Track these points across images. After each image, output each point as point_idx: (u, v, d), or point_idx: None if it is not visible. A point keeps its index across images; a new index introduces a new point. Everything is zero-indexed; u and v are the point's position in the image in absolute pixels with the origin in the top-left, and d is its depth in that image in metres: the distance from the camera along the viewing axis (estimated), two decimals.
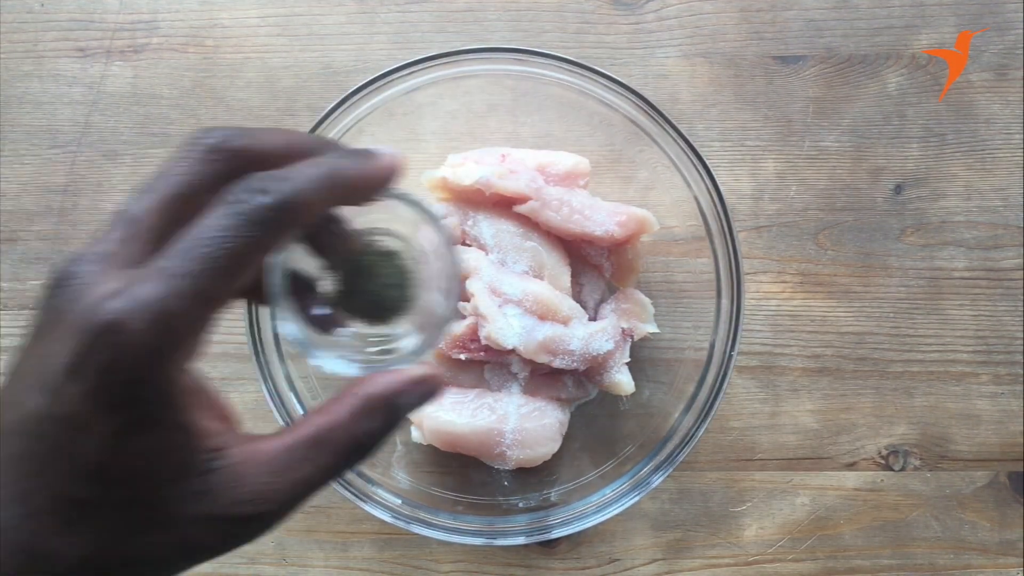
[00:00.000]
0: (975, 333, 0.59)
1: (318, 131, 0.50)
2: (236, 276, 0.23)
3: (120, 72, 0.60)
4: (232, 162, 0.25)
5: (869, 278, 0.60)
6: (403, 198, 0.27)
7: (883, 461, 0.58)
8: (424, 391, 0.26)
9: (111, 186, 0.60)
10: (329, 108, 0.50)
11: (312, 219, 0.25)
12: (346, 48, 0.61)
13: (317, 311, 0.29)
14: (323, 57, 0.61)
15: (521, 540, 0.49)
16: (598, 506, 0.50)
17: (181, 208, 0.25)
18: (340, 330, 0.30)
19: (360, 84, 0.50)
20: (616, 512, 0.49)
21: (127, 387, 0.22)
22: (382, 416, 0.26)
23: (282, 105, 0.60)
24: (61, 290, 0.23)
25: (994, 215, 0.60)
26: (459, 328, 0.52)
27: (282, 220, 0.23)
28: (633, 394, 0.54)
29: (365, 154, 0.26)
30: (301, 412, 0.49)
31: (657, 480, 0.49)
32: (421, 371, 0.26)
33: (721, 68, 0.61)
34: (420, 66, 0.50)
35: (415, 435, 0.54)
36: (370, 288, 0.30)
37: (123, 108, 0.60)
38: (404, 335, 0.30)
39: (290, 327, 0.27)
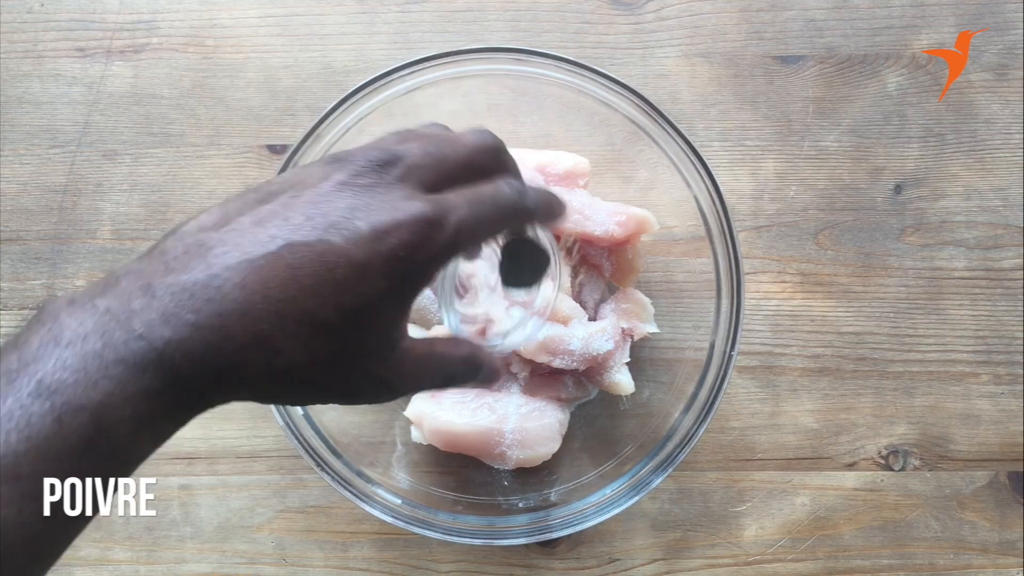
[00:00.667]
0: (975, 333, 0.59)
1: (318, 131, 0.50)
2: (490, 233, 0.32)
3: (120, 72, 0.60)
4: (490, 162, 0.33)
5: (869, 278, 0.60)
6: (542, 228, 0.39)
7: (883, 461, 0.58)
8: (491, 374, 0.36)
9: (111, 186, 0.60)
10: (329, 108, 0.50)
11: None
12: (346, 48, 0.61)
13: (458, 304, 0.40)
14: (323, 57, 0.61)
15: (521, 540, 0.49)
16: (598, 506, 0.50)
17: (454, 172, 0.32)
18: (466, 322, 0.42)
19: (360, 84, 0.50)
20: (616, 512, 0.49)
21: (417, 267, 0.29)
22: (471, 369, 0.35)
23: (282, 105, 0.60)
24: (392, 167, 0.30)
25: (994, 215, 0.60)
26: (472, 330, 0.52)
27: (522, 216, 0.33)
28: (633, 394, 0.54)
29: (559, 198, 0.36)
30: (301, 414, 0.50)
31: (657, 480, 0.49)
32: (499, 362, 0.37)
33: (721, 68, 0.61)
34: (420, 66, 0.50)
35: (415, 435, 0.54)
36: (525, 257, 0.39)
37: (123, 108, 0.60)
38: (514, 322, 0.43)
39: (452, 314, 0.39)
